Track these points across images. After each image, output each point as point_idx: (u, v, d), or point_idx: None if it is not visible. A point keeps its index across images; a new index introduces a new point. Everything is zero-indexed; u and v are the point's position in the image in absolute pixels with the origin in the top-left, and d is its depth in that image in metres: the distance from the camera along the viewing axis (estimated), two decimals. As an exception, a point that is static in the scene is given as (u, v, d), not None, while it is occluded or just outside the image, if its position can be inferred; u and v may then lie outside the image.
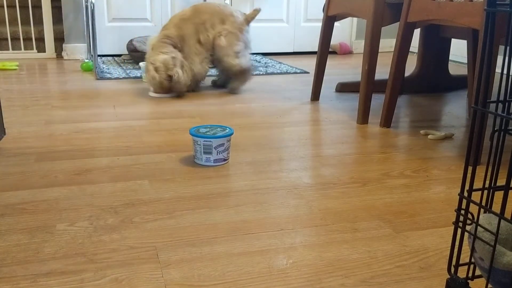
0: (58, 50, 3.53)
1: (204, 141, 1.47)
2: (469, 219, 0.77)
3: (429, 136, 1.82)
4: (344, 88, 2.60)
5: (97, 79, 2.81)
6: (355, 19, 3.99)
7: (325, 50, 2.36)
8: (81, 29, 3.43)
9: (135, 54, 3.15)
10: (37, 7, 3.50)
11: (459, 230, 0.80)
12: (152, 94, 2.41)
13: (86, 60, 3.22)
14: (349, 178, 1.42)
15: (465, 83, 2.62)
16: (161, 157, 1.57)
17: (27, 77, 2.86)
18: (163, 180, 1.39)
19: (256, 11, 2.53)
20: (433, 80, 2.60)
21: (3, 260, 0.97)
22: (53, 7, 3.47)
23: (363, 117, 2.00)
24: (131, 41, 3.21)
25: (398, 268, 0.97)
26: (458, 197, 0.79)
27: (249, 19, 2.54)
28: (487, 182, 0.78)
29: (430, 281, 0.93)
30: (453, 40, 2.63)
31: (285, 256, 1.00)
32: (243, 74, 2.47)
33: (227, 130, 1.52)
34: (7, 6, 3.48)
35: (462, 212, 0.78)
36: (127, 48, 3.22)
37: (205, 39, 2.45)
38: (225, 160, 1.52)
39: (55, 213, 1.17)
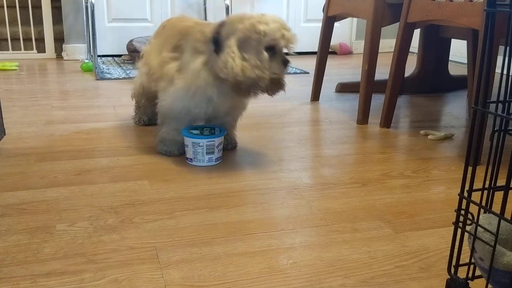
0: (58, 50, 3.53)
1: (208, 141, 1.47)
2: (469, 219, 0.77)
3: (429, 137, 1.82)
4: (344, 88, 2.60)
5: (97, 79, 2.81)
6: (355, 19, 3.99)
7: (325, 50, 2.36)
8: (81, 30, 3.43)
9: (135, 55, 3.15)
10: (37, 7, 3.50)
11: (459, 230, 0.80)
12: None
13: (86, 61, 3.22)
14: (349, 178, 1.42)
15: (465, 83, 2.62)
16: (161, 157, 1.57)
17: (27, 78, 2.86)
18: (163, 180, 1.39)
19: None
20: (433, 80, 2.60)
21: (3, 260, 0.97)
22: (53, 8, 3.47)
23: (363, 117, 2.00)
24: (131, 41, 3.21)
25: (398, 268, 0.97)
26: (458, 197, 0.79)
27: None
28: (487, 182, 0.78)
29: (430, 281, 0.93)
30: (453, 40, 2.63)
31: (285, 257, 1.00)
32: None
33: (216, 128, 1.54)
34: (7, 7, 3.48)
35: (462, 212, 0.78)
36: (127, 48, 3.22)
37: None
38: (221, 156, 1.53)
39: (55, 213, 1.17)
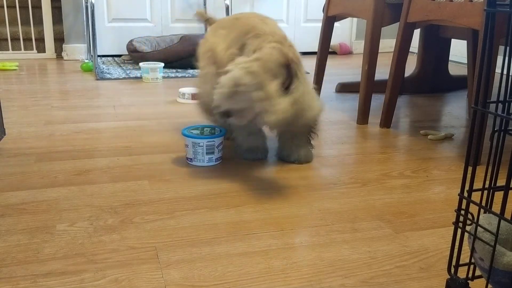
0: (58, 50, 3.53)
1: (208, 141, 1.47)
2: (469, 219, 0.77)
3: (429, 137, 1.82)
4: (344, 88, 2.60)
5: (97, 79, 2.81)
6: (355, 19, 3.99)
7: (325, 51, 2.36)
8: (81, 30, 3.43)
9: (135, 55, 3.15)
10: (37, 7, 3.50)
11: (459, 231, 0.80)
12: None
13: (86, 61, 3.22)
14: (349, 179, 1.42)
15: (465, 83, 2.62)
16: (161, 157, 1.57)
17: (27, 78, 2.86)
18: (163, 180, 1.39)
19: None
20: (433, 80, 2.60)
21: (3, 260, 0.97)
22: (53, 8, 3.47)
23: (363, 117, 2.00)
24: (131, 41, 3.21)
25: (398, 268, 0.97)
26: (458, 197, 0.79)
27: None
28: (487, 182, 0.78)
29: (430, 281, 0.93)
30: (453, 40, 2.63)
31: (285, 256, 1.00)
32: None
33: (216, 128, 1.54)
34: (7, 7, 3.48)
35: (462, 212, 0.78)
36: (127, 48, 3.22)
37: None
38: (221, 156, 1.53)
39: (55, 213, 1.17)
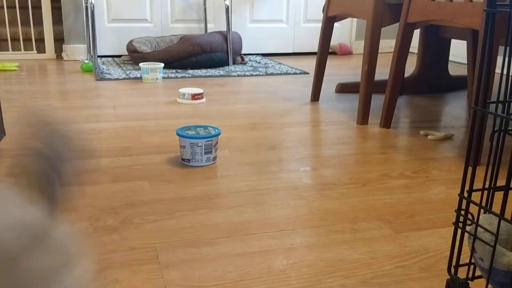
0: (58, 51, 3.53)
1: (206, 141, 1.47)
2: (469, 219, 0.77)
3: (429, 137, 1.82)
4: (344, 88, 2.60)
5: (97, 79, 2.81)
6: (355, 19, 3.99)
7: (325, 51, 2.36)
8: (81, 30, 3.43)
9: (135, 55, 3.15)
10: (37, 8, 3.50)
11: (459, 231, 0.80)
12: None
13: (86, 61, 3.22)
14: (349, 179, 1.42)
15: (465, 83, 2.62)
16: (161, 157, 1.57)
17: (27, 78, 2.86)
18: (163, 180, 1.39)
19: None
20: (433, 80, 2.60)
21: (3, 261, 0.97)
22: (53, 8, 3.47)
23: (363, 117, 2.00)
24: (131, 41, 3.21)
25: (398, 268, 0.97)
26: (458, 197, 0.79)
27: None
28: (487, 182, 0.78)
29: (430, 281, 0.93)
30: (453, 41, 2.63)
31: (285, 257, 1.00)
32: None
33: (209, 128, 1.54)
34: (7, 7, 3.48)
35: (462, 212, 0.78)
36: (127, 49, 3.22)
37: None
38: (216, 155, 1.54)
39: (55, 213, 1.17)
